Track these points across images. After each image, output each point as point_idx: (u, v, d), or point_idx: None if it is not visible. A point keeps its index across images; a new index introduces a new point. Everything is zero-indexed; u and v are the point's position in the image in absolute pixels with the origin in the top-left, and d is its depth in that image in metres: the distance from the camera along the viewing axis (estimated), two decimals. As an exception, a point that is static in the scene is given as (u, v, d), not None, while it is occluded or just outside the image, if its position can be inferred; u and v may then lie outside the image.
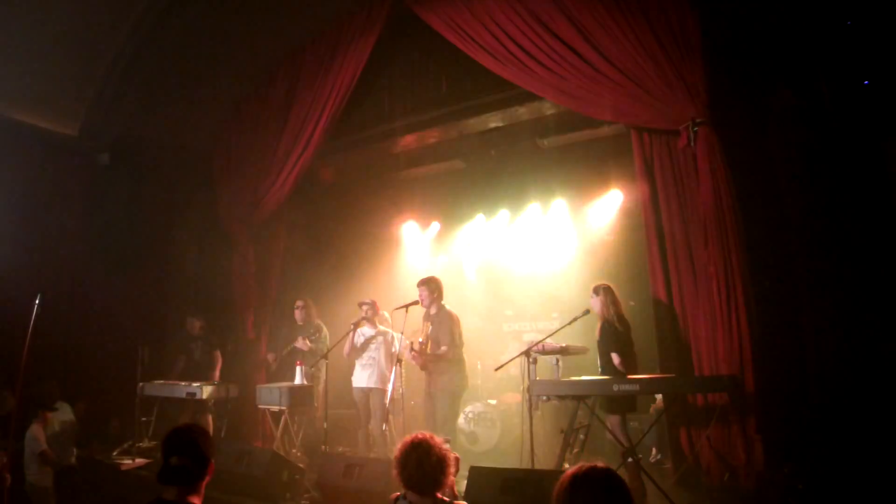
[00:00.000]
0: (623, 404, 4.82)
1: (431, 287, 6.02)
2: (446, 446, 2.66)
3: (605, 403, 4.85)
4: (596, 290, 5.15)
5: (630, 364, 4.91)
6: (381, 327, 6.50)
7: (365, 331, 6.47)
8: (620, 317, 5.07)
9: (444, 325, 5.90)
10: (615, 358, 4.88)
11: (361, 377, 6.38)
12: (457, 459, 2.80)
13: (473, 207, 8.88)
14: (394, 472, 2.63)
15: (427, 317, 6.05)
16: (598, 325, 5.12)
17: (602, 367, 5.04)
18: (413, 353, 5.91)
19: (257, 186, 7.55)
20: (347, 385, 6.57)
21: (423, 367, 5.98)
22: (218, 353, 7.34)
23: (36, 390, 5.47)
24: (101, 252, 7.53)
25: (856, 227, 4.80)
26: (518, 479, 4.16)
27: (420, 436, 2.64)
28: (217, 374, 7.19)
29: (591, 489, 1.85)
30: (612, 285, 5.21)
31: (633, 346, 5.09)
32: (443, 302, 6.06)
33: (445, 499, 2.60)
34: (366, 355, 6.41)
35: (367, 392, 6.30)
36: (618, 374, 4.75)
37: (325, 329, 6.95)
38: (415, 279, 6.24)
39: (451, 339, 5.84)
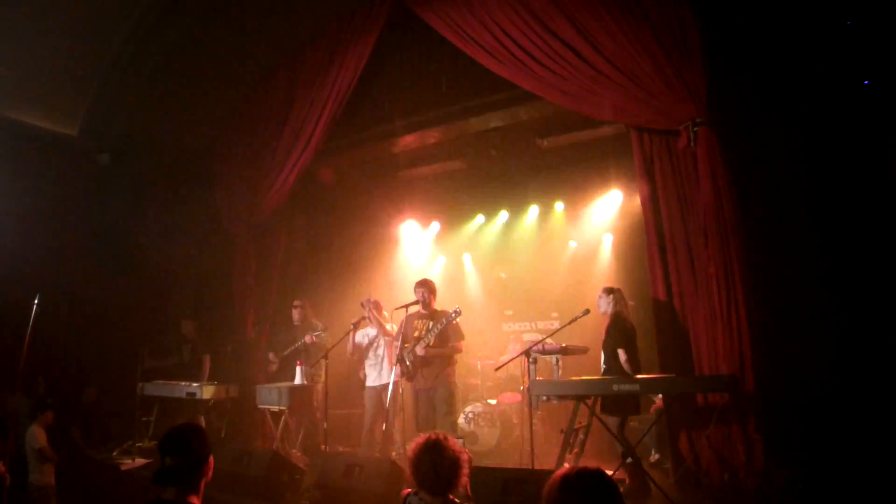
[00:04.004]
0: (626, 407, 4.81)
1: (431, 288, 6.04)
2: (459, 446, 2.63)
3: (607, 405, 4.84)
4: (609, 291, 5.16)
5: (635, 365, 4.90)
6: (389, 326, 6.48)
7: (369, 331, 6.48)
8: (627, 320, 5.07)
9: (455, 326, 5.93)
10: (622, 354, 4.86)
11: (371, 376, 6.40)
12: (469, 460, 2.77)
13: (473, 207, 8.89)
14: (407, 471, 2.60)
15: (422, 316, 6.04)
16: (606, 325, 5.09)
17: (607, 367, 5.02)
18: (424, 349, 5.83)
19: (257, 186, 7.54)
20: (347, 385, 6.57)
21: (412, 377, 5.93)
22: (207, 358, 7.33)
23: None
24: (101, 252, 7.53)
25: (856, 227, 4.80)
26: (518, 479, 4.15)
27: (433, 436, 2.60)
28: (205, 377, 7.16)
29: (581, 490, 1.85)
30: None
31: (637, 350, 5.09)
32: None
33: (457, 500, 2.58)
34: (372, 354, 6.42)
35: (378, 390, 6.27)
36: (623, 374, 4.75)
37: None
38: (415, 279, 6.24)
39: (460, 334, 5.94)
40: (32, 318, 4.58)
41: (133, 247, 7.68)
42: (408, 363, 5.85)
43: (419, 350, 5.80)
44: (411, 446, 2.64)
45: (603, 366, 5.08)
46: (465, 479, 2.61)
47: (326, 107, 6.96)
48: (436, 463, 2.50)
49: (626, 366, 4.84)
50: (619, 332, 4.97)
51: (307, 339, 6.73)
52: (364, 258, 8.85)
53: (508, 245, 8.77)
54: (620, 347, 4.89)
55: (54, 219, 7.23)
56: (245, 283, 7.59)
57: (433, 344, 5.77)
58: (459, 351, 5.99)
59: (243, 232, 7.66)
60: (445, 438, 2.59)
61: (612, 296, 5.11)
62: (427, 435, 2.62)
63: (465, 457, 2.61)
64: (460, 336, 5.96)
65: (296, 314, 7.04)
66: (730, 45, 5.14)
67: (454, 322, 5.81)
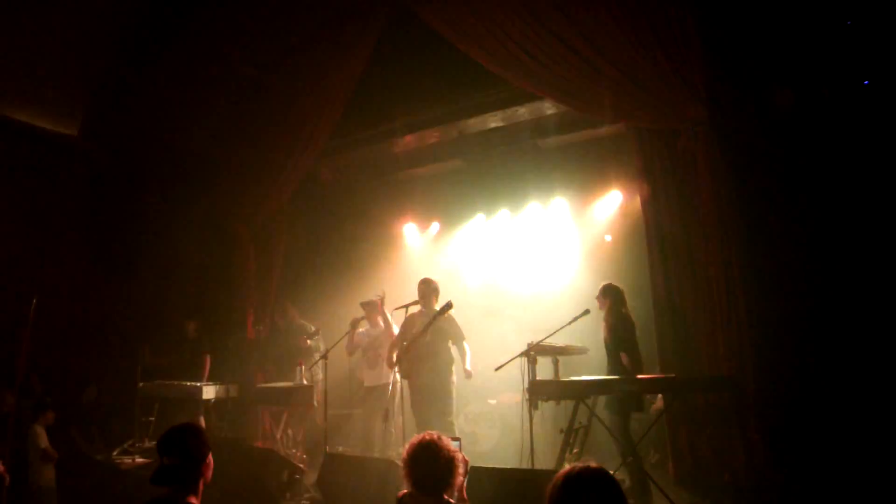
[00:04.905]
0: (629, 404, 4.80)
1: (434, 287, 6.03)
2: (455, 447, 2.61)
3: (611, 403, 4.83)
4: (606, 291, 5.09)
5: (637, 365, 4.89)
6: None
7: (369, 331, 6.47)
8: (628, 317, 5.04)
9: (453, 324, 5.94)
10: (624, 358, 4.85)
11: (370, 377, 6.40)
12: (465, 462, 2.75)
13: (473, 207, 8.87)
14: (402, 472, 2.58)
15: (423, 315, 6.03)
16: (606, 326, 5.06)
17: (612, 367, 4.99)
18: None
19: (257, 186, 7.54)
20: (347, 385, 6.57)
21: (409, 373, 5.92)
22: (207, 358, 7.29)
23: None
24: (101, 252, 7.54)
25: (856, 227, 4.79)
26: (518, 479, 4.15)
27: (428, 437, 2.57)
28: (205, 377, 7.15)
29: (584, 489, 1.85)
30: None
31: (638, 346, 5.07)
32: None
33: (452, 501, 2.57)
34: (371, 354, 6.42)
35: (377, 390, 6.25)
36: (628, 375, 4.74)
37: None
38: (415, 279, 6.22)
39: (461, 334, 5.96)
40: (31, 318, 4.59)
41: (133, 247, 7.68)
42: (404, 359, 5.85)
43: (415, 344, 5.80)
44: (406, 447, 2.62)
45: (608, 366, 5.06)
46: (460, 480, 2.59)
47: (326, 106, 6.96)
48: (431, 463, 2.48)
49: (629, 367, 4.83)
50: (621, 334, 4.95)
51: (303, 343, 6.73)
52: (364, 258, 8.84)
53: (508, 245, 8.75)
54: (624, 351, 4.87)
55: (54, 219, 7.23)
56: (245, 283, 7.60)
57: (429, 338, 5.77)
58: (464, 352, 5.95)
59: (243, 232, 7.66)
60: (440, 439, 2.56)
61: (609, 296, 5.07)
62: (422, 435, 2.60)
63: (459, 457, 2.59)
64: (461, 336, 5.95)
65: (279, 318, 7.06)
66: (730, 44, 5.13)
67: (447, 314, 5.80)
